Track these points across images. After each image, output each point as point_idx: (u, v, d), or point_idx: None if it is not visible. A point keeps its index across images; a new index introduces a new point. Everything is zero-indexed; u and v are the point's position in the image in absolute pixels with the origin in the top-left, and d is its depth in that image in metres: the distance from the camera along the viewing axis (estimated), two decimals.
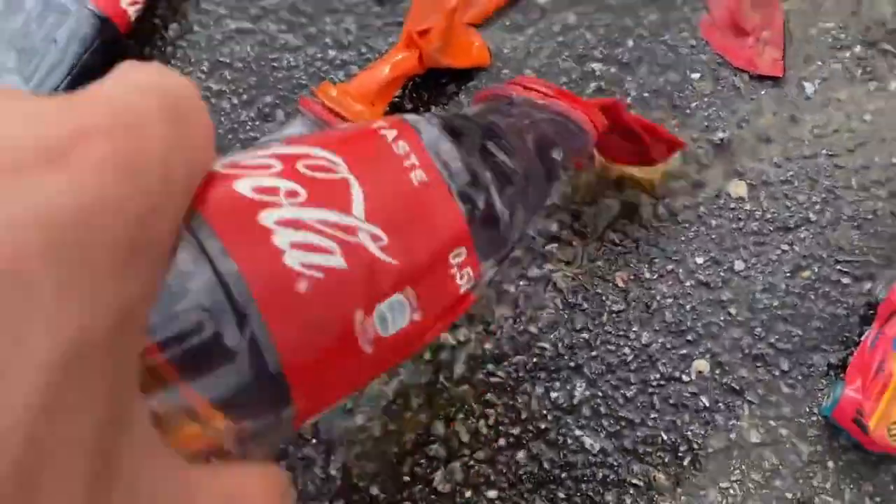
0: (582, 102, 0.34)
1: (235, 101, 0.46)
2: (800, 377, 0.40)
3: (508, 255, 0.28)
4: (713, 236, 0.43)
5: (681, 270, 0.42)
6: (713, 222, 0.43)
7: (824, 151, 0.44)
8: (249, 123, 0.46)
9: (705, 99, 0.45)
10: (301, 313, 0.19)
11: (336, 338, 0.20)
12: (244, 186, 0.20)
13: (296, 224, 0.20)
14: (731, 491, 0.39)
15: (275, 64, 0.47)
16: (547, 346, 0.41)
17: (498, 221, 0.26)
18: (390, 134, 0.24)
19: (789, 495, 0.39)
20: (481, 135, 0.27)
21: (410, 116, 0.25)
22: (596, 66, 0.46)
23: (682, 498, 0.39)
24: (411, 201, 0.23)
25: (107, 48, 0.45)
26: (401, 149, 0.23)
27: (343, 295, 0.20)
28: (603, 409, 0.40)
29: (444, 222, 0.23)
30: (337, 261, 0.20)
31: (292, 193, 0.20)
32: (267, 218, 0.19)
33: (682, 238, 0.43)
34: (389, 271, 0.21)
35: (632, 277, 0.42)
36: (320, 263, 0.20)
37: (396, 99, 0.45)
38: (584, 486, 0.39)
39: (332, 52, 0.47)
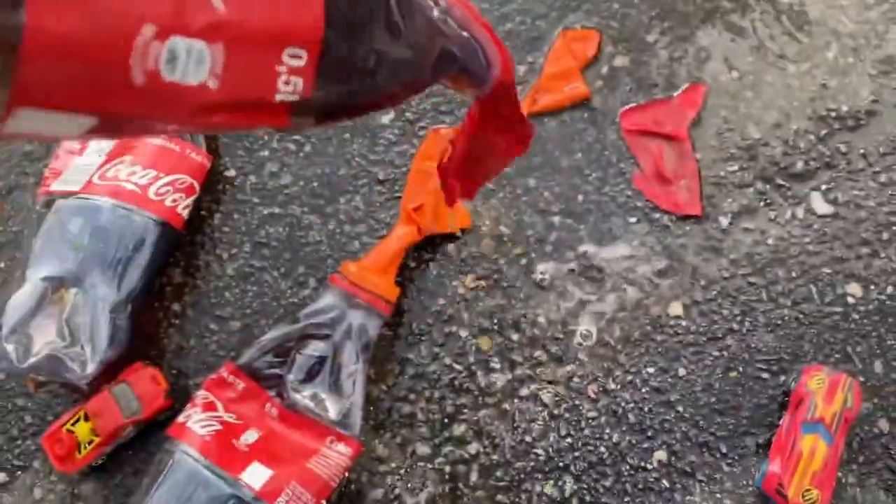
0: (504, 50, 0.32)
1: (275, 273, 0.59)
2: (736, 457, 0.52)
3: (352, 111, 0.24)
4: (660, 350, 0.55)
5: (637, 380, 0.54)
6: (658, 338, 0.55)
7: (740, 272, 0.56)
8: (289, 292, 0.58)
9: (643, 237, 0.58)
10: None
11: (107, 33, 0.17)
12: None
13: None
14: None
15: (303, 240, 0.59)
16: (540, 451, 0.53)
17: (359, 59, 0.22)
18: None
19: None
20: None
21: None
22: (555, 218, 0.58)
23: None
24: None
25: (168, 243, 0.58)
26: None
27: None
28: (588, 498, 0.52)
29: (299, 10, 0.20)
30: None
31: None
32: None
33: (636, 353, 0.55)
34: (208, 11, 0.18)
35: (600, 389, 0.54)
36: None
37: (402, 260, 0.57)
38: None
39: (347, 227, 0.59)
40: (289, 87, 0.21)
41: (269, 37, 0.20)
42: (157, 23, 0.17)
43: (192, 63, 0.18)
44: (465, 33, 0.29)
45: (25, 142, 0.64)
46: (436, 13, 0.28)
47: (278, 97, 0.21)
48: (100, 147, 0.59)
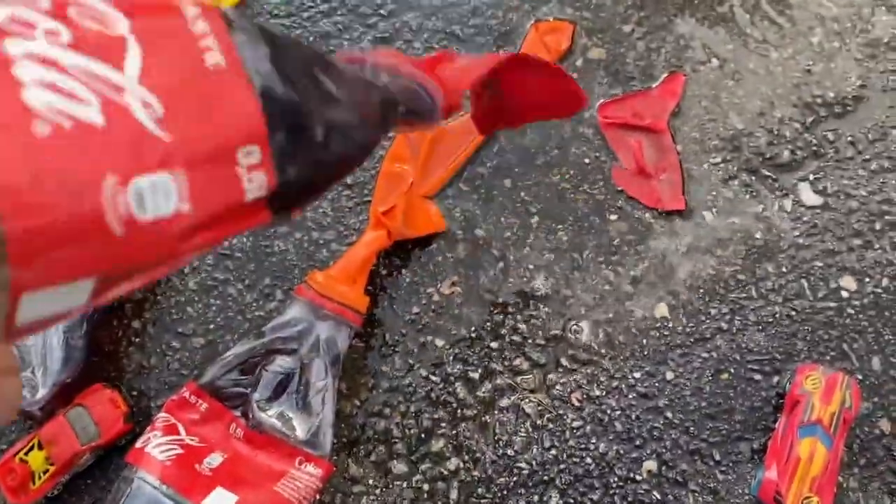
0: (438, 78, 0.35)
1: (240, 286, 0.56)
2: (730, 464, 0.49)
3: (321, 185, 0.25)
4: (645, 353, 0.52)
5: (623, 386, 0.51)
6: (644, 341, 0.52)
7: (727, 269, 0.54)
8: (254, 304, 0.55)
9: (624, 235, 0.55)
10: (34, 159, 0.17)
11: (75, 201, 0.17)
12: None
13: (49, 62, 0.18)
14: None
15: (268, 250, 0.56)
16: (523, 465, 0.50)
17: (308, 135, 0.23)
18: (191, 11, 0.22)
19: None
20: (310, 58, 0.25)
21: (230, 9, 0.23)
22: (534, 219, 0.56)
23: None
24: (199, 81, 0.21)
25: None
26: (198, 28, 0.21)
27: (93, 152, 0.18)
28: None
29: (236, 113, 0.21)
30: (93, 114, 0.18)
31: (53, 33, 0.18)
32: (13, 47, 0.17)
33: (621, 357, 0.52)
34: (157, 144, 0.19)
35: (585, 397, 0.51)
36: (71, 112, 0.17)
37: (373, 267, 0.55)
38: None
39: (314, 234, 0.56)
40: (254, 184, 0.21)
41: (219, 145, 0.20)
42: (116, 171, 0.18)
43: (160, 196, 0.19)
44: (399, 80, 0.31)
45: None
46: (367, 72, 0.30)
47: (248, 196, 0.21)
48: None
